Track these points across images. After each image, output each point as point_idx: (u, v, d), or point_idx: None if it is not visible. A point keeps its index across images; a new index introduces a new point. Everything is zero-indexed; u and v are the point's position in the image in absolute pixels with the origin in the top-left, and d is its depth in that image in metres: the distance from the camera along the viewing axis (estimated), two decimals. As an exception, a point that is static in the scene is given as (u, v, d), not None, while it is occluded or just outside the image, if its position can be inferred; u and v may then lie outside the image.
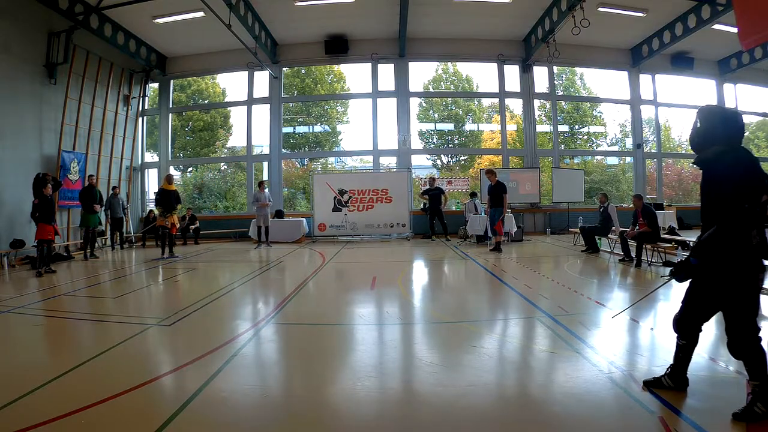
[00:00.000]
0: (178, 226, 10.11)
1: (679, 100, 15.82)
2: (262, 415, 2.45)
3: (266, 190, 11.52)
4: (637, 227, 7.54)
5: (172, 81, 15.08)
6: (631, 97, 15.03)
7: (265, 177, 14.95)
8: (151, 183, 15.13)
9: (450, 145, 17.55)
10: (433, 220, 12.27)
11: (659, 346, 3.37)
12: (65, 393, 2.67)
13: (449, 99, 17.05)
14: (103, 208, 10.65)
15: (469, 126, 17.28)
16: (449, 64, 16.44)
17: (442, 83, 17.04)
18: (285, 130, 15.88)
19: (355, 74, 16.62)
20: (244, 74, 14.50)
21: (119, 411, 2.44)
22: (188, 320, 4.37)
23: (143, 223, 13.35)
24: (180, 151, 16.92)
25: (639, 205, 7.61)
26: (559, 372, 2.96)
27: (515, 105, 15.33)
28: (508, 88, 14.58)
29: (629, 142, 15.82)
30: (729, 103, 15.40)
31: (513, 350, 3.45)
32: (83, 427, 2.27)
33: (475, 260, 8.32)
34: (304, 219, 13.09)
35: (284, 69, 14.86)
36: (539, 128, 15.14)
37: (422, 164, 17.06)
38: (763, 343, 2.25)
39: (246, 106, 14.70)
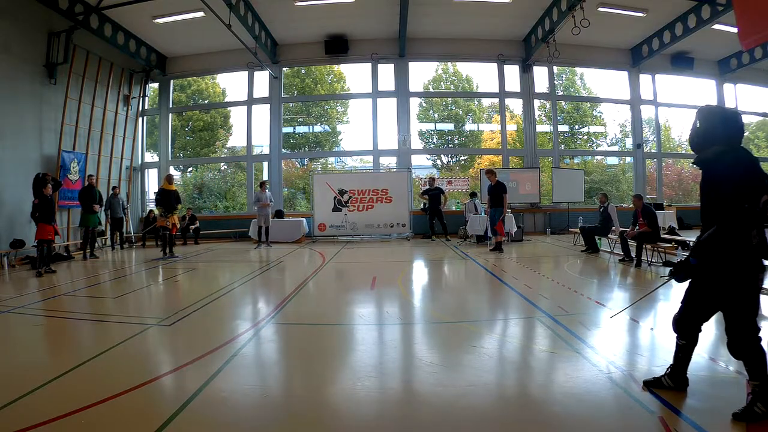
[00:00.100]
0: (178, 226, 10.12)
1: (679, 100, 15.83)
2: (262, 415, 2.45)
3: (267, 191, 11.53)
4: (637, 227, 7.54)
5: (172, 81, 15.08)
6: (631, 97, 15.03)
7: (265, 177, 14.94)
8: (151, 183, 15.15)
9: (450, 145, 17.56)
10: (433, 220, 12.27)
11: (659, 346, 3.37)
12: (65, 393, 2.67)
13: (449, 99, 17.05)
14: (103, 208, 10.65)
15: (469, 126, 17.29)
16: (449, 64, 16.44)
17: (442, 83, 17.05)
18: (285, 130, 15.89)
19: (355, 74, 16.66)
20: (244, 74, 14.50)
21: (119, 411, 2.44)
22: (188, 320, 4.37)
23: (143, 223, 13.34)
24: (180, 151, 16.93)
25: (639, 205, 7.61)
26: (559, 372, 2.96)
27: (515, 105, 15.34)
28: (508, 88, 14.58)
29: (629, 142, 15.82)
30: (729, 103, 15.40)
31: (513, 350, 3.45)
32: (83, 427, 2.27)
33: (475, 260, 8.32)
34: (304, 219, 13.09)
35: (284, 69, 14.86)
36: (539, 128, 15.15)
37: (422, 164, 17.07)
38: (763, 343, 2.24)
39: (246, 106, 14.70)
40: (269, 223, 11.38)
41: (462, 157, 17.65)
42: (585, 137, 17.34)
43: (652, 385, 2.57)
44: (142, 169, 14.80)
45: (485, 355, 3.28)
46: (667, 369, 2.57)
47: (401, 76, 14.30)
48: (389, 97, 14.41)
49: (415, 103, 15.75)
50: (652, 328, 3.88)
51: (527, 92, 14.47)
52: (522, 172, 13.91)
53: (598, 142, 17.41)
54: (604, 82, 19.29)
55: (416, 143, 15.95)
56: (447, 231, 12.22)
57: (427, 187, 12.58)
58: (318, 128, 17.25)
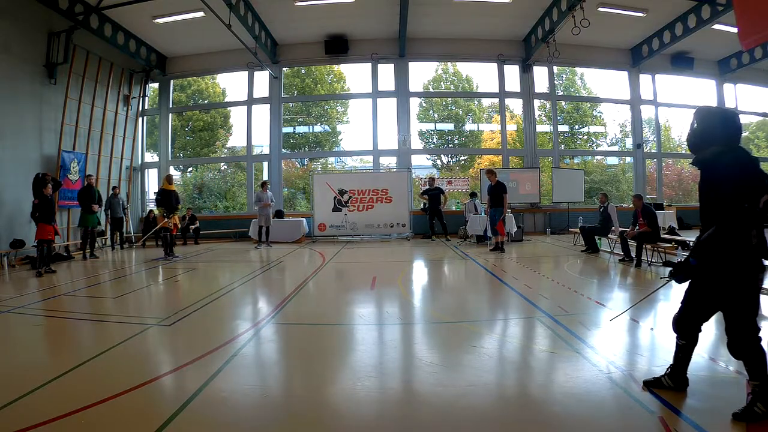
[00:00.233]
0: (179, 226, 10.11)
1: (679, 100, 15.83)
2: (262, 415, 2.45)
3: (269, 191, 11.53)
4: (637, 227, 7.54)
5: (172, 81, 15.08)
6: (631, 97, 15.03)
7: (265, 177, 14.93)
8: (151, 183, 15.15)
9: (450, 145, 17.56)
10: (433, 220, 12.27)
11: (659, 346, 3.37)
12: (65, 393, 2.67)
13: (449, 99, 17.05)
14: (103, 208, 10.64)
15: (469, 126, 17.29)
16: (449, 64, 16.44)
17: (442, 83, 17.05)
18: (285, 130, 15.89)
19: (355, 74, 16.65)
20: (244, 74, 14.50)
21: (119, 411, 2.44)
22: (188, 320, 4.37)
23: (143, 223, 13.32)
24: (180, 151, 16.92)
25: (639, 205, 7.61)
26: (559, 372, 2.96)
27: (515, 105, 15.34)
28: (508, 88, 14.58)
29: (629, 142, 15.82)
30: (729, 103, 15.41)
31: (513, 350, 3.45)
32: (83, 427, 2.27)
33: (475, 260, 8.32)
34: (304, 219, 13.09)
35: (284, 69, 14.86)
36: (539, 128, 15.14)
37: (422, 164, 17.06)
38: (763, 343, 2.24)
39: (246, 106, 14.70)
40: (270, 223, 11.38)
41: (462, 157, 17.65)
42: (585, 137, 17.35)
43: (652, 385, 2.57)
44: (142, 169, 14.80)
45: (485, 355, 3.28)
46: (667, 369, 2.57)
47: (401, 76, 14.30)
48: (389, 97, 14.41)
49: (415, 103, 15.76)
50: (652, 328, 3.88)
51: (527, 92, 14.47)
52: (522, 172, 13.91)
53: (598, 142, 17.42)
54: (604, 82, 19.33)
55: (416, 143, 15.97)
56: (447, 231, 12.22)
57: (427, 187, 12.57)
58: (318, 128, 17.25)
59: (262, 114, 14.70)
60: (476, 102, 17.11)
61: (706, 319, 2.45)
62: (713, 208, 2.28)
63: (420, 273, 7.75)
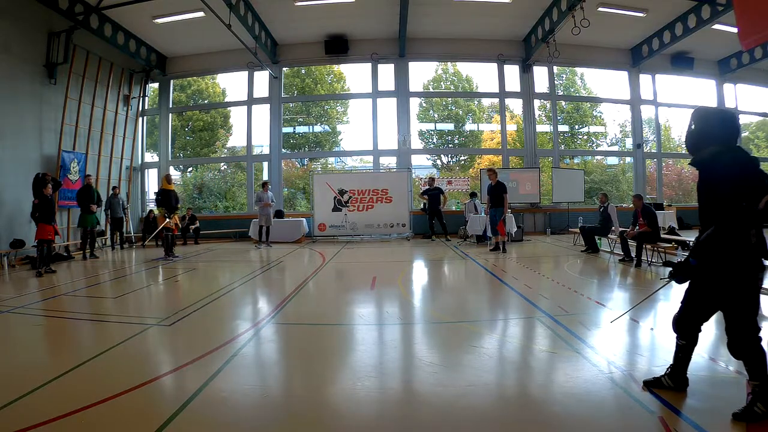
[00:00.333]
0: (180, 225, 10.10)
1: (679, 100, 15.83)
2: (262, 415, 2.45)
3: (269, 191, 11.53)
4: (637, 227, 7.54)
5: (172, 81, 15.08)
6: (631, 97, 15.03)
7: (265, 177, 14.93)
8: (151, 183, 15.15)
9: (450, 145, 17.56)
10: (433, 220, 12.27)
11: (659, 346, 3.37)
12: (65, 393, 2.67)
13: (449, 99, 17.05)
14: (103, 208, 10.63)
15: (469, 126, 17.29)
16: (449, 64, 16.44)
17: (442, 83, 17.05)
18: (285, 130, 15.89)
19: (355, 74, 16.66)
20: (244, 74, 14.50)
21: (119, 411, 2.44)
22: (188, 320, 4.36)
23: (143, 223, 13.32)
24: (180, 151, 16.93)
25: (639, 205, 7.61)
26: (559, 372, 2.96)
27: (515, 105, 15.34)
28: (508, 88, 14.58)
29: (629, 142, 15.82)
30: (729, 103, 15.41)
31: (513, 350, 3.45)
32: (83, 427, 2.27)
33: (475, 260, 8.32)
34: (304, 219, 13.09)
35: (284, 69, 14.86)
36: (539, 128, 15.14)
37: (422, 164, 17.07)
38: (763, 343, 2.24)
39: (246, 106, 14.70)
40: (270, 223, 11.38)
41: (462, 157, 17.65)
42: (585, 137, 17.35)
43: (652, 385, 2.57)
44: (142, 169, 14.80)
45: (485, 355, 3.28)
46: (667, 369, 2.57)
47: (401, 76, 14.30)
48: (389, 97, 14.41)
49: (415, 103, 15.76)
50: (652, 328, 3.89)
51: (527, 92, 14.47)
52: (522, 172, 13.91)
53: (598, 142, 17.42)
54: (604, 82, 19.33)
55: (416, 143, 15.97)
56: (447, 231, 12.22)
57: (427, 187, 12.58)
58: (318, 128, 17.25)
59: (262, 114, 14.71)
60: (476, 102, 17.11)
61: (706, 319, 2.45)
62: (712, 208, 2.28)
63: (420, 273, 7.75)
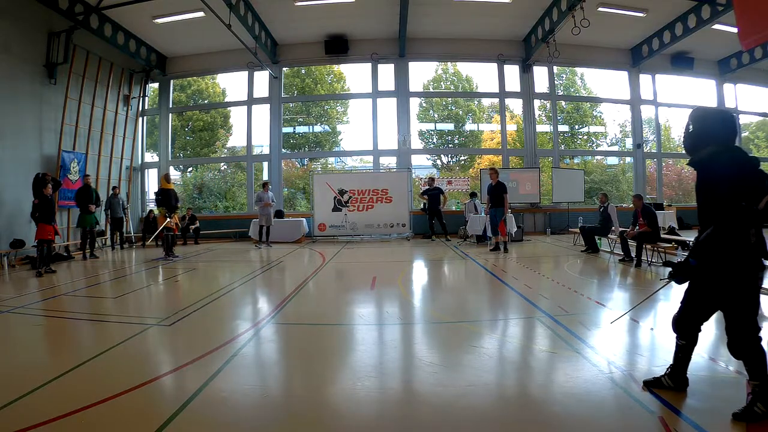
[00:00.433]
0: (180, 225, 10.10)
1: (679, 100, 15.82)
2: (262, 415, 2.45)
3: (270, 191, 11.53)
4: (637, 227, 7.54)
5: (172, 81, 15.08)
6: (631, 97, 15.03)
7: (265, 177, 14.94)
8: (151, 183, 15.14)
9: (450, 145, 17.56)
10: (433, 220, 12.27)
11: (659, 346, 3.37)
12: (65, 393, 2.67)
13: (449, 99, 17.05)
14: (103, 208, 10.62)
15: (469, 126, 17.29)
16: (449, 64, 16.44)
17: (442, 83, 17.05)
18: (285, 130, 15.89)
19: (355, 74, 16.65)
20: (244, 74, 14.50)
21: (119, 411, 2.44)
22: (188, 320, 4.36)
23: (143, 223, 13.32)
24: (180, 151, 16.93)
25: (639, 205, 7.60)
26: (559, 372, 2.96)
27: (515, 105, 15.34)
28: (508, 88, 14.58)
29: (629, 142, 15.82)
30: (729, 103, 15.42)
31: (513, 350, 3.45)
32: (83, 427, 2.27)
33: (475, 260, 8.32)
34: (304, 219, 13.10)
35: (284, 69, 14.86)
36: (539, 128, 15.14)
37: (422, 164, 17.07)
38: (763, 343, 2.24)
39: (246, 106, 14.70)
40: (271, 223, 11.38)
41: (462, 157, 17.65)
42: (585, 137, 17.35)
43: (652, 385, 2.57)
44: (142, 169, 14.80)
45: (485, 355, 3.28)
46: (667, 369, 2.57)
47: (401, 76, 14.30)
48: (389, 97, 14.41)
49: (415, 103, 15.76)
50: (652, 328, 3.89)
51: (527, 92, 14.47)
52: (522, 172, 13.91)
53: (598, 142, 17.42)
54: (604, 82, 19.31)
55: (416, 143, 15.97)
56: (447, 231, 12.22)
57: (427, 187, 12.57)
58: (318, 128, 17.25)
59: (262, 114, 14.71)
60: (476, 102, 17.11)
61: (706, 319, 2.45)
62: (710, 208, 2.28)
63: (420, 273, 7.75)
